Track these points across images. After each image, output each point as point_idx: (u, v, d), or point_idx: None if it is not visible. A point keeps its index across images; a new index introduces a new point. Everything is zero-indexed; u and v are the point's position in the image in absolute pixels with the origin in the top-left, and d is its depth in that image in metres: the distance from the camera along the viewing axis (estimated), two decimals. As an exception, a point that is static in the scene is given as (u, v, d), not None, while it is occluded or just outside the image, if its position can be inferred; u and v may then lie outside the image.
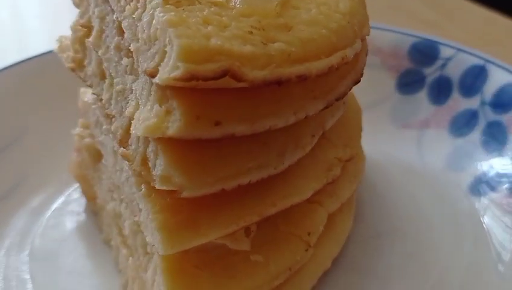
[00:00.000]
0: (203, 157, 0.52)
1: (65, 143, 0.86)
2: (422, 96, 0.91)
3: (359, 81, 0.63)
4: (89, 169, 0.75)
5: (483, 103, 0.84)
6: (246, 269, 0.59)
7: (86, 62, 0.67)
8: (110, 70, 0.59)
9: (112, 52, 0.58)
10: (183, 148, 0.52)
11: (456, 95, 0.88)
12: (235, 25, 0.50)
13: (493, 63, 0.85)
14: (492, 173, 0.79)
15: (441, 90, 0.90)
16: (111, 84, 0.61)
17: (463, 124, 0.86)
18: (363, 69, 0.64)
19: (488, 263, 0.68)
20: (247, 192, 0.56)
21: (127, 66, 0.56)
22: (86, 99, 0.74)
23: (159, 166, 0.52)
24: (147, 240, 0.56)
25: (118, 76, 0.57)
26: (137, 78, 0.54)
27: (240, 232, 0.58)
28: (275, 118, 0.52)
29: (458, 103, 0.88)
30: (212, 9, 0.51)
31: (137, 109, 0.53)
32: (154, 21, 0.48)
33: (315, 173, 0.63)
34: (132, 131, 0.51)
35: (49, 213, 0.80)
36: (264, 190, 0.57)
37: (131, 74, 0.55)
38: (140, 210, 0.57)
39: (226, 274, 0.58)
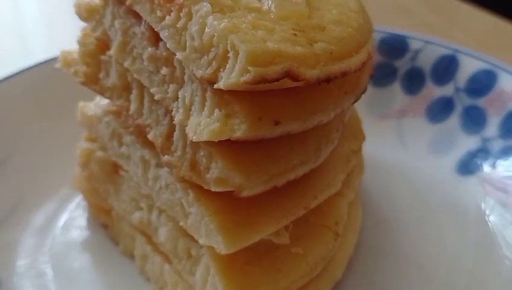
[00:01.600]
0: (256, 157, 0.54)
1: (59, 158, 0.86)
2: (396, 87, 0.96)
3: (373, 74, 0.67)
4: (101, 182, 0.75)
5: (457, 90, 0.90)
6: (289, 262, 0.61)
7: (100, 75, 0.67)
8: (142, 81, 0.60)
9: (145, 63, 0.59)
10: (237, 150, 0.54)
11: (429, 84, 0.94)
12: (279, 29, 0.52)
13: (462, 52, 0.92)
14: (477, 152, 0.84)
15: (413, 81, 0.95)
16: (140, 95, 0.62)
17: (439, 110, 0.92)
18: (373, 63, 0.68)
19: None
20: (293, 187, 0.59)
21: (166, 75, 0.57)
22: (90, 113, 0.74)
23: (215, 169, 0.54)
24: (201, 242, 0.58)
25: (155, 85, 0.58)
26: (182, 86, 0.56)
27: (281, 227, 0.61)
28: (321, 114, 0.55)
29: (432, 92, 0.93)
30: (253, 14, 0.53)
31: (188, 116, 0.54)
32: (207, 29, 0.50)
33: (340, 165, 0.66)
34: (191, 138, 0.52)
35: (56, 231, 0.79)
36: (306, 184, 0.60)
37: (172, 82, 0.57)
38: (187, 215, 0.59)
39: (273, 268, 0.60)
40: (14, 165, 0.85)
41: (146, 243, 0.70)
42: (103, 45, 0.67)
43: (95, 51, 0.68)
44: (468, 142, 0.87)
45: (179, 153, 0.58)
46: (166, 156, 0.58)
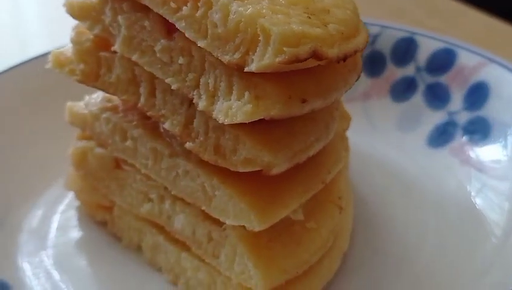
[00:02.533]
0: (280, 136, 0.58)
1: (41, 159, 0.87)
2: (357, 71, 1.01)
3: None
4: (100, 179, 0.75)
5: (418, 69, 0.96)
6: (305, 236, 0.64)
7: (101, 72, 0.68)
8: (155, 73, 0.61)
9: (157, 55, 0.60)
10: (262, 131, 0.57)
11: (390, 66, 0.99)
12: (294, 13, 0.55)
13: (420, 34, 0.98)
14: (445, 126, 0.90)
15: (375, 64, 1.00)
16: (150, 87, 0.64)
17: (403, 90, 0.97)
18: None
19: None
20: (311, 164, 0.62)
21: (183, 64, 0.59)
22: (82, 111, 0.74)
23: (243, 150, 0.56)
24: (228, 223, 0.60)
25: (169, 76, 0.60)
26: (202, 74, 0.57)
27: (297, 204, 0.64)
28: (337, 91, 0.59)
29: (394, 73, 0.99)
30: (266, 0, 0.56)
31: (212, 102, 0.56)
32: (232, 16, 0.52)
33: (341, 143, 0.70)
34: (223, 121, 0.54)
35: (53, 233, 0.78)
36: (320, 160, 0.64)
37: (190, 71, 0.58)
38: (210, 199, 0.61)
39: (294, 243, 0.63)
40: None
41: (157, 234, 0.71)
42: (101, 41, 0.68)
43: (93, 48, 0.68)
44: (435, 117, 0.93)
45: (201, 138, 0.60)
46: (188, 143, 0.60)
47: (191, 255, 0.68)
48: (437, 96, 0.94)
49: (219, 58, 0.54)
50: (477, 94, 0.89)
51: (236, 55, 0.53)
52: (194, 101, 0.58)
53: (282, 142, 0.57)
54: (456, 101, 0.91)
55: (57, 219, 0.81)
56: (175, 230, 0.68)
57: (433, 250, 0.75)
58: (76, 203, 0.82)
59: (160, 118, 0.63)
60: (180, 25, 0.57)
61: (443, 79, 0.94)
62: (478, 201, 0.80)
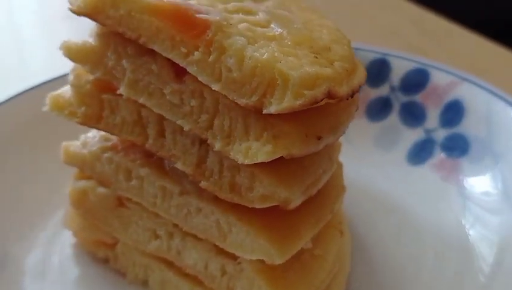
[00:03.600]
0: (293, 171, 0.60)
1: (33, 199, 0.87)
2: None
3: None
4: (102, 218, 0.75)
5: (393, 89, 1.00)
6: (314, 264, 0.67)
7: (104, 114, 0.69)
8: (165, 114, 0.63)
9: (167, 97, 0.62)
10: (276, 168, 0.59)
11: (364, 87, 1.02)
12: (301, 53, 0.58)
13: (392, 55, 1.02)
14: (424, 143, 0.95)
15: (349, 86, 1.04)
16: (158, 128, 0.65)
17: (378, 110, 1.01)
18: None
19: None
20: (319, 195, 0.64)
21: (195, 106, 0.60)
22: (79, 151, 0.75)
23: (260, 187, 0.59)
24: (246, 257, 0.62)
25: (180, 118, 0.61)
26: (215, 115, 0.59)
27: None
28: (343, 126, 0.62)
29: (369, 94, 1.03)
30: (274, 43, 0.58)
31: (228, 143, 0.58)
32: (247, 60, 0.55)
33: (340, 170, 0.73)
34: (242, 161, 0.56)
35: (54, 274, 0.78)
36: (328, 191, 0.66)
37: (202, 112, 0.60)
38: (224, 235, 0.63)
39: (305, 271, 0.66)
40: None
41: (166, 269, 0.72)
42: (102, 83, 0.69)
43: (94, 91, 0.69)
44: (413, 135, 0.97)
45: (215, 177, 0.61)
46: (203, 182, 0.62)
47: (204, 289, 0.69)
48: (413, 114, 0.98)
49: (235, 100, 0.56)
50: (453, 112, 0.94)
51: (254, 98, 0.55)
52: (208, 142, 0.60)
53: (296, 177, 0.60)
54: (432, 119, 0.96)
55: (57, 258, 0.81)
56: (186, 265, 0.70)
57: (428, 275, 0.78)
58: (73, 240, 0.82)
59: (170, 157, 0.64)
60: (191, 69, 0.59)
61: (417, 98, 0.98)
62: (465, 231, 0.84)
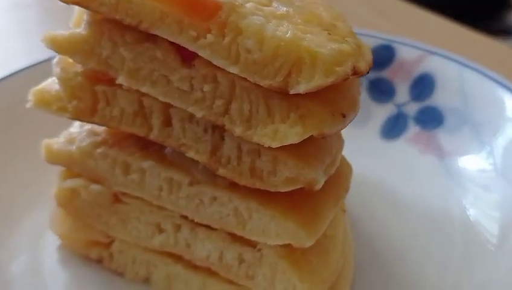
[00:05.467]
0: (314, 152, 0.59)
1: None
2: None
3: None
4: (96, 216, 0.72)
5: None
6: (329, 244, 0.67)
7: (99, 106, 0.65)
8: (173, 102, 0.60)
9: (175, 84, 0.59)
10: (298, 150, 0.58)
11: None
12: (316, 31, 0.57)
13: (357, 33, 1.02)
14: (396, 117, 0.96)
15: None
16: (163, 117, 0.62)
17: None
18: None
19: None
20: (335, 174, 0.64)
21: (208, 92, 0.58)
22: (64, 148, 0.71)
23: (284, 170, 0.57)
24: (269, 243, 0.61)
25: (191, 104, 0.59)
26: (231, 100, 0.57)
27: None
28: (358, 102, 0.62)
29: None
30: (285, 21, 0.57)
31: (249, 127, 0.56)
32: (269, 40, 0.53)
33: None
34: (270, 144, 0.55)
35: (48, 278, 0.74)
36: (340, 169, 0.66)
37: (216, 97, 0.58)
38: (244, 222, 0.62)
39: (323, 252, 0.65)
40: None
41: (173, 263, 0.70)
42: (94, 74, 0.65)
43: (86, 83, 0.65)
44: (384, 111, 0.98)
45: (234, 163, 0.59)
46: (221, 169, 0.60)
47: (219, 281, 0.67)
48: (381, 90, 0.99)
49: (256, 82, 0.55)
50: (423, 85, 0.95)
51: (278, 78, 0.53)
52: (226, 128, 0.58)
53: (317, 158, 0.59)
54: (402, 93, 0.97)
55: (45, 263, 0.77)
56: (196, 257, 0.67)
57: (434, 263, 0.76)
58: (59, 243, 0.78)
59: (180, 147, 0.62)
60: (204, 53, 0.56)
61: (385, 74, 0.99)
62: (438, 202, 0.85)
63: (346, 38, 0.59)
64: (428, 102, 0.94)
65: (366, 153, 0.93)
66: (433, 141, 0.91)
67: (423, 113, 0.94)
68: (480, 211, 0.79)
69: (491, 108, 0.86)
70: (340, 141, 0.65)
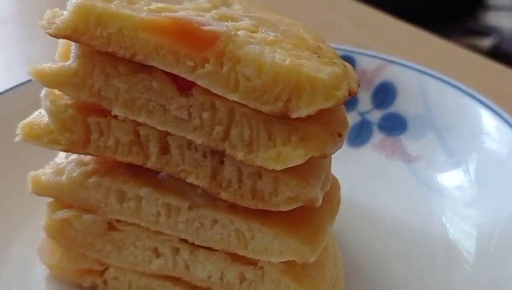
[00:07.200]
0: (310, 170, 0.62)
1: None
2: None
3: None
4: (89, 246, 0.72)
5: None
6: (323, 256, 0.69)
7: (92, 137, 0.66)
8: (170, 130, 0.61)
9: (172, 113, 0.61)
10: (296, 169, 0.60)
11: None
12: (306, 55, 0.60)
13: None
14: (361, 125, 1.00)
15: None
16: (160, 145, 0.64)
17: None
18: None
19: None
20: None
21: (206, 119, 0.60)
22: (56, 179, 0.71)
23: (286, 190, 0.60)
24: (273, 260, 0.63)
25: (190, 132, 0.61)
26: (230, 126, 0.59)
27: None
28: (347, 119, 0.65)
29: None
30: (277, 46, 0.60)
31: (250, 151, 0.59)
32: (268, 68, 0.56)
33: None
34: (273, 167, 0.57)
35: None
36: (332, 184, 0.69)
37: (215, 124, 0.60)
38: (245, 242, 0.64)
39: (318, 264, 0.68)
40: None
41: (172, 286, 0.71)
42: (85, 106, 0.66)
43: (78, 115, 0.66)
44: (349, 119, 1.01)
45: (235, 186, 0.61)
46: (223, 193, 0.62)
47: (220, 300, 0.69)
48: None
49: (257, 108, 0.57)
50: (384, 93, 1.00)
51: (279, 104, 0.56)
52: (227, 153, 0.60)
53: (314, 176, 0.62)
54: (365, 102, 1.02)
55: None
56: (196, 279, 0.69)
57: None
58: (47, 273, 0.78)
59: (179, 173, 0.63)
60: (202, 82, 0.58)
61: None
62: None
63: (333, 60, 0.62)
64: (391, 109, 0.98)
65: (335, 160, 0.96)
66: (400, 147, 0.95)
67: (386, 120, 0.98)
68: (452, 213, 0.84)
69: (452, 113, 0.91)
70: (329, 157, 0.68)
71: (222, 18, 0.64)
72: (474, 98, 0.89)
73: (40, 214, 0.83)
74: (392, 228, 0.85)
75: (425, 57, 1.04)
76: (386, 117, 0.99)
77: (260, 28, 0.63)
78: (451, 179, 0.89)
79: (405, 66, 0.99)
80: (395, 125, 0.98)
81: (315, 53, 0.61)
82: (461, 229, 0.80)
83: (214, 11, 0.65)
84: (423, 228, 0.83)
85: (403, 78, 0.98)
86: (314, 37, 0.67)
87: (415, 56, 1.05)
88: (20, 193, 0.77)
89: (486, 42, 2.39)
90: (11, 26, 0.96)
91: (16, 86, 0.93)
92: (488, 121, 0.86)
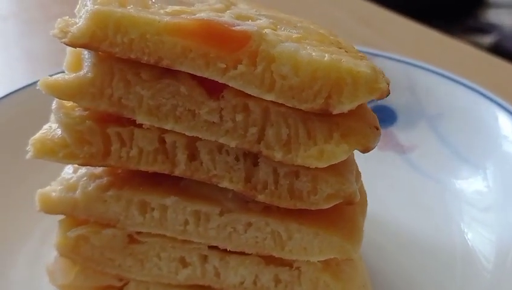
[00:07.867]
0: (343, 166, 0.62)
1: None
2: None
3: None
4: (107, 261, 0.69)
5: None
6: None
7: (113, 148, 0.63)
8: (201, 136, 0.60)
9: (203, 118, 0.59)
10: (334, 165, 0.60)
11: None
12: (334, 50, 0.60)
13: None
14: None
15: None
16: (188, 151, 0.62)
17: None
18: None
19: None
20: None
21: (240, 121, 0.59)
22: (69, 195, 0.68)
23: (326, 188, 0.59)
24: (312, 260, 0.63)
25: (221, 135, 0.59)
26: (265, 126, 0.58)
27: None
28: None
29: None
30: (305, 43, 0.59)
31: (289, 151, 0.58)
32: (305, 65, 0.55)
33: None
34: (316, 165, 0.56)
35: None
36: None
37: (249, 125, 0.59)
38: (282, 244, 0.63)
39: (349, 260, 0.68)
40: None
41: (202, 295, 0.69)
42: (102, 116, 0.63)
43: (96, 127, 0.63)
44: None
45: (271, 187, 0.60)
46: (259, 195, 0.60)
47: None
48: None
49: (296, 107, 0.56)
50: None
51: (319, 101, 0.55)
52: (263, 154, 0.59)
53: (350, 171, 0.62)
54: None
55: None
56: (228, 285, 0.67)
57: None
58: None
59: (211, 179, 0.62)
60: (235, 84, 0.57)
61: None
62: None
63: (359, 54, 0.62)
64: (380, 101, 0.99)
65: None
66: (392, 138, 0.96)
67: (376, 112, 0.98)
68: (450, 201, 0.86)
69: (442, 100, 0.93)
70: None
71: (239, 18, 0.62)
72: (464, 85, 0.91)
73: (39, 233, 0.80)
74: (397, 224, 0.86)
75: (430, 54, 1.05)
76: (375, 109, 0.99)
77: (279, 26, 0.63)
78: (442, 163, 0.91)
79: (390, 58, 1.00)
80: (384, 117, 0.98)
81: (340, 48, 0.61)
82: (479, 234, 0.81)
83: (228, 11, 0.64)
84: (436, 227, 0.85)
85: (390, 70, 0.98)
86: (329, 32, 0.67)
87: (420, 53, 1.06)
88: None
89: (487, 40, 2.45)
90: (11, 23, 0.91)
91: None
92: (486, 108, 0.88)
